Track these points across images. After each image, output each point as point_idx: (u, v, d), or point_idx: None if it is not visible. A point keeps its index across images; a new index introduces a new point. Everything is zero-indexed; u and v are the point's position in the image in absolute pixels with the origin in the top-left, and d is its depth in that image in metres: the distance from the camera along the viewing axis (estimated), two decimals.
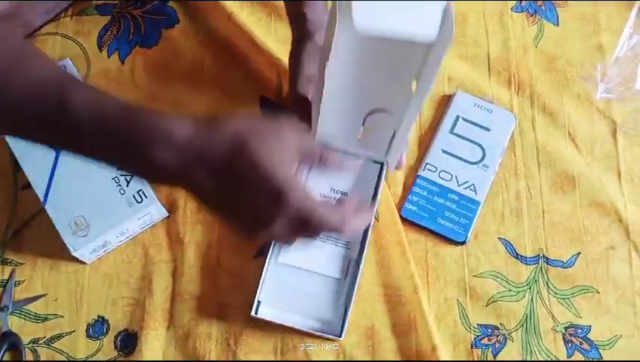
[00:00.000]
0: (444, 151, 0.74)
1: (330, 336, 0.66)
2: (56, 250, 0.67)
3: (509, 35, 0.80)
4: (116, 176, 0.68)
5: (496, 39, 0.80)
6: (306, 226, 0.47)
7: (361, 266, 0.67)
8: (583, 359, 0.68)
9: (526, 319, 0.69)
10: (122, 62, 0.77)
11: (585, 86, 0.78)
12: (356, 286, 0.67)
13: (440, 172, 0.73)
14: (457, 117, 0.75)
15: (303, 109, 0.67)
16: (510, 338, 0.68)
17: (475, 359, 0.67)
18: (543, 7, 0.81)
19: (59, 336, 0.68)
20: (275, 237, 0.48)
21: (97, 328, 0.68)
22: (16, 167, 0.70)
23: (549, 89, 0.78)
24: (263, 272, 0.67)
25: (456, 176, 0.73)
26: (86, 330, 0.68)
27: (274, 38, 0.77)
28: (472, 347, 0.68)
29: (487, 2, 0.81)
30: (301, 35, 0.66)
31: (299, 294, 0.66)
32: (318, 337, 0.67)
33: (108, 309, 0.69)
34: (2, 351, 0.66)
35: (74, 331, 0.68)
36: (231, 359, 0.67)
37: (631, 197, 0.73)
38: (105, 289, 0.69)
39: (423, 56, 0.56)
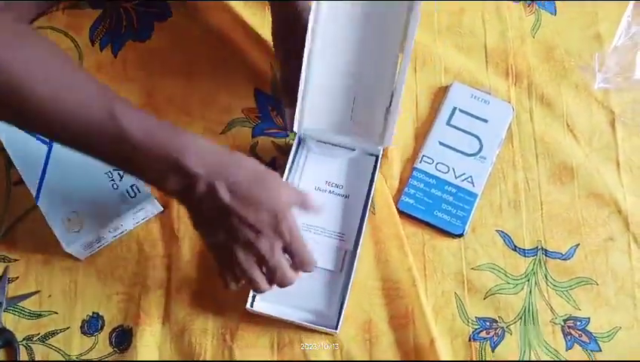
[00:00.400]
0: (440, 143, 0.73)
1: (325, 329, 0.65)
2: (50, 246, 0.67)
3: (506, 25, 0.79)
4: (109, 171, 0.67)
5: (493, 29, 0.79)
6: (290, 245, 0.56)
7: (356, 259, 0.67)
8: (582, 351, 0.67)
9: (524, 311, 0.68)
10: (115, 56, 0.77)
11: (583, 76, 0.77)
12: (352, 278, 0.66)
13: (437, 164, 0.73)
14: (454, 108, 0.74)
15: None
16: (508, 331, 0.68)
17: (474, 351, 0.67)
18: None
19: (53, 333, 0.67)
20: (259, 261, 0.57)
21: (92, 324, 0.68)
22: (9, 162, 0.70)
23: (547, 79, 0.77)
24: None
25: (453, 168, 0.72)
26: (81, 327, 0.68)
27: (268, 30, 0.76)
28: (470, 340, 0.67)
29: None
30: (286, 16, 0.65)
31: (294, 287, 0.66)
32: (314, 331, 0.66)
33: (102, 305, 0.68)
34: None
35: (68, 328, 0.67)
36: (227, 354, 0.66)
37: (630, 188, 0.73)
38: (99, 285, 0.69)
39: (405, 18, 0.64)
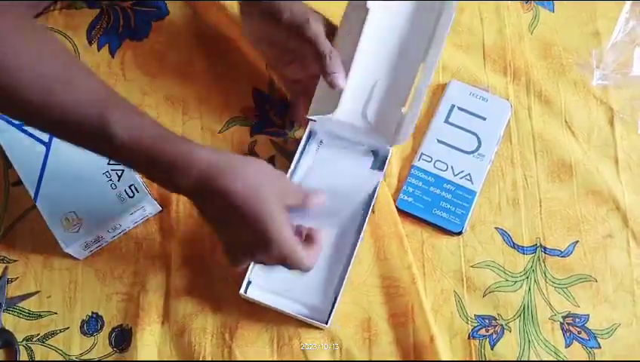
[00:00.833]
0: (439, 141, 0.73)
1: (316, 323, 0.65)
2: (49, 247, 0.67)
3: (504, 23, 0.79)
4: (107, 171, 0.67)
5: (491, 27, 0.79)
6: (282, 263, 0.56)
7: (353, 256, 0.67)
8: (582, 348, 0.67)
9: (524, 309, 0.69)
10: (112, 56, 0.76)
11: (581, 73, 0.77)
12: (347, 274, 0.66)
13: (435, 162, 0.72)
14: (452, 106, 0.74)
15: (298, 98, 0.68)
16: (508, 329, 0.68)
17: (473, 349, 0.67)
18: None
19: (53, 333, 0.67)
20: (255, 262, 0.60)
21: (92, 324, 0.68)
22: (7, 163, 0.70)
23: (545, 76, 0.77)
24: None
25: (451, 166, 0.72)
26: (80, 327, 0.68)
27: None
28: (469, 337, 0.67)
29: None
30: (272, 11, 0.64)
31: (290, 278, 0.66)
32: (311, 327, 0.66)
33: (102, 305, 0.68)
34: None
35: (68, 328, 0.68)
36: (226, 353, 0.66)
37: (629, 185, 0.73)
38: (99, 285, 0.69)
39: (432, 23, 0.66)
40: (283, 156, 0.73)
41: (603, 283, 0.69)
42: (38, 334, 0.67)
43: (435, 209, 0.71)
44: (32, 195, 0.66)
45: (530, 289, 0.69)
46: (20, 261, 0.69)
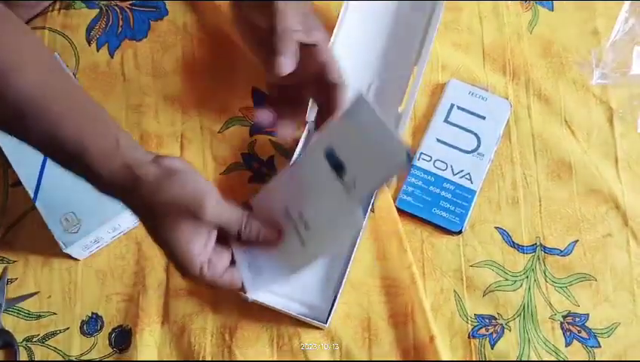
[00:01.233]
0: (438, 141, 0.73)
1: (315, 322, 0.65)
2: (49, 247, 0.67)
3: (503, 22, 0.79)
4: None
5: (490, 26, 0.78)
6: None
7: (353, 254, 0.67)
8: (582, 347, 0.67)
9: (523, 308, 0.68)
10: (111, 56, 0.76)
11: (581, 72, 0.77)
12: (347, 273, 0.66)
13: (435, 161, 0.72)
14: (452, 105, 0.74)
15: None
16: (508, 328, 0.68)
17: (473, 348, 0.67)
18: None
19: (53, 334, 0.67)
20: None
21: (91, 325, 0.68)
22: (6, 164, 0.70)
23: (545, 75, 0.77)
24: None
25: (451, 166, 0.72)
26: (80, 327, 0.68)
27: None
28: (469, 337, 0.67)
29: None
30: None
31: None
32: (312, 327, 0.66)
33: (102, 306, 0.68)
34: None
35: (68, 328, 0.68)
36: (226, 353, 0.66)
37: (628, 184, 0.73)
38: (98, 285, 0.69)
39: (423, 23, 0.69)
40: (282, 156, 0.73)
41: (603, 282, 0.69)
42: (38, 334, 0.67)
43: (434, 208, 0.71)
44: (32, 196, 0.66)
45: (530, 288, 0.69)
46: (19, 261, 0.69)
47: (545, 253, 0.70)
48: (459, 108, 0.74)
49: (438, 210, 0.71)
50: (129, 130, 0.68)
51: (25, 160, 0.67)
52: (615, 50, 0.76)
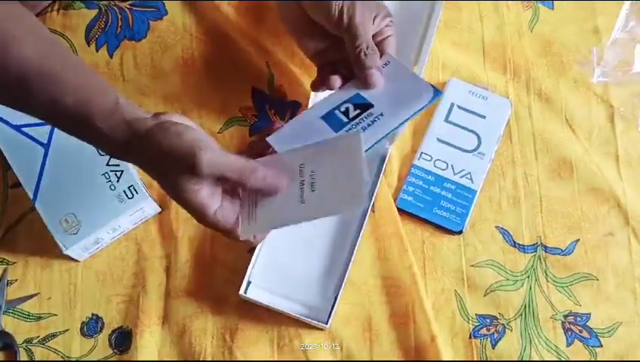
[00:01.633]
0: (439, 140, 0.73)
1: (316, 323, 0.65)
2: (49, 249, 0.67)
3: (503, 20, 0.78)
4: (106, 172, 0.67)
5: (490, 24, 0.78)
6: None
7: (353, 255, 0.67)
8: (583, 347, 0.67)
9: (525, 308, 0.68)
10: (111, 56, 0.76)
11: (581, 70, 0.76)
12: (347, 274, 0.66)
13: (435, 161, 0.72)
14: (452, 104, 0.74)
15: None
16: (509, 328, 0.68)
17: (474, 348, 0.67)
18: None
19: (53, 335, 0.67)
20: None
21: (92, 326, 0.68)
22: (6, 165, 0.69)
23: (545, 74, 0.76)
24: (255, 253, 0.67)
25: (452, 165, 0.72)
26: (80, 329, 0.68)
27: (264, 27, 0.76)
28: (470, 337, 0.67)
29: None
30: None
31: (290, 279, 0.66)
32: (311, 327, 0.66)
33: (102, 307, 0.68)
34: None
35: (68, 330, 0.67)
36: (227, 354, 0.66)
37: (629, 182, 0.73)
38: (98, 286, 0.69)
39: (423, 23, 0.70)
40: None
41: (604, 281, 0.69)
42: (38, 336, 0.67)
43: (435, 208, 0.71)
44: (31, 197, 0.66)
45: (531, 288, 0.69)
46: (19, 263, 0.69)
47: (546, 252, 0.70)
48: (459, 107, 0.74)
49: (438, 210, 0.71)
50: None
51: (24, 161, 0.67)
52: (616, 49, 0.76)
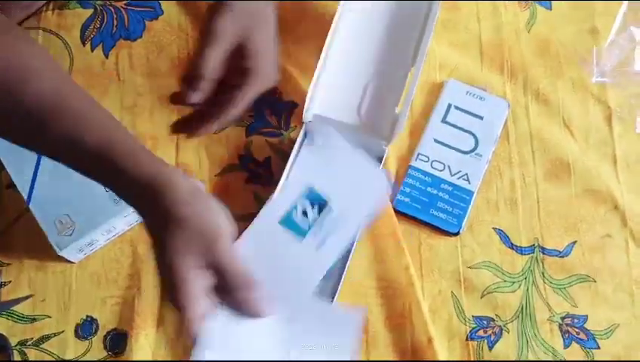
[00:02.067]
0: (436, 141, 0.73)
1: None
2: (43, 250, 0.66)
3: (501, 21, 0.78)
4: None
5: (488, 25, 0.78)
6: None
7: (349, 260, 0.67)
8: (580, 349, 0.67)
9: (522, 310, 0.68)
10: (106, 56, 0.76)
11: (579, 71, 0.76)
12: (344, 275, 0.66)
13: (432, 162, 0.72)
14: (449, 105, 0.74)
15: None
16: (506, 330, 0.67)
17: (471, 350, 0.67)
18: None
19: (47, 337, 0.67)
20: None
21: (86, 328, 0.67)
22: (0, 166, 0.69)
23: (543, 75, 0.76)
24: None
25: (448, 166, 0.72)
26: (75, 331, 0.67)
27: None
28: (467, 339, 0.67)
29: None
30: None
31: None
32: None
33: (97, 309, 0.68)
34: None
35: (62, 332, 0.67)
36: None
37: (627, 184, 0.72)
38: (93, 288, 0.68)
39: (420, 22, 0.70)
40: (279, 157, 0.72)
41: (602, 283, 0.69)
42: (32, 338, 0.67)
43: (432, 209, 0.70)
44: (25, 198, 0.66)
45: (528, 289, 0.69)
46: (13, 264, 0.69)
47: (543, 254, 0.70)
48: (456, 108, 0.74)
49: (435, 211, 0.70)
50: None
51: (19, 162, 0.67)
52: (614, 49, 0.76)
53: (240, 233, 0.55)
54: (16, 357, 0.66)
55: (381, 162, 0.70)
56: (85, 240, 0.65)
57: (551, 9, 0.79)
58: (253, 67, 0.61)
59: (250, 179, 0.72)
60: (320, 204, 0.55)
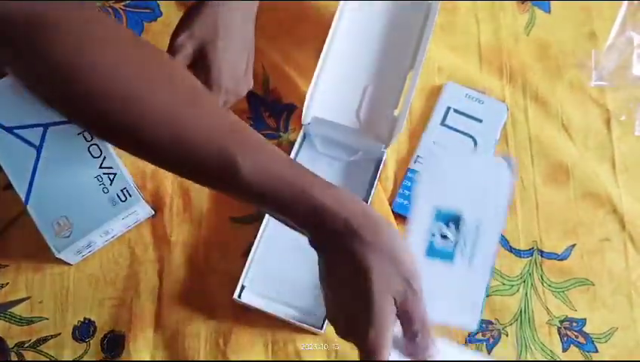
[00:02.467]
0: (435, 144, 0.72)
1: (312, 328, 0.65)
2: (41, 252, 0.66)
3: (499, 24, 0.78)
4: (99, 175, 0.66)
5: (487, 28, 0.78)
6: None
7: None
8: (579, 352, 0.67)
9: (521, 313, 0.68)
10: None
11: (578, 74, 0.76)
12: None
13: None
14: (448, 108, 0.74)
15: None
16: (505, 333, 0.67)
17: None
18: None
19: (44, 339, 0.67)
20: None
21: (83, 330, 0.67)
22: None
23: (542, 78, 0.76)
24: (250, 257, 0.66)
25: None
26: (72, 333, 0.67)
27: (258, 30, 0.75)
28: (466, 342, 0.67)
29: None
30: None
31: (285, 283, 0.66)
32: (306, 332, 0.66)
33: (94, 311, 0.67)
34: None
35: (60, 334, 0.67)
36: (220, 358, 0.66)
37: (626, 188, 0.72)
38: (90, 290, 0.68)
39: (419, 25, 0.71)
40: None
41: (600, 286, 0.69)
42: (30, 340, 0.66)
43: None
44: (23, 199, 0.65)
45: (527, 293, 0.69)
46: (10, 266, 0.68)
47: (542, 257, 0.70)
48: (455, 111, 0.74)
49: None
50: None
51: (17, 163, 0.66)
52: (613, 53, 0.76)
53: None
54: (14, 359, 0.66)
55: (380, 166, 0.70)
56: (83, 242, 0.65)
57: (550, 12, 0.79)
58: (212, 80, 0.62)
59: None
60: (454, 220, 0.54)
